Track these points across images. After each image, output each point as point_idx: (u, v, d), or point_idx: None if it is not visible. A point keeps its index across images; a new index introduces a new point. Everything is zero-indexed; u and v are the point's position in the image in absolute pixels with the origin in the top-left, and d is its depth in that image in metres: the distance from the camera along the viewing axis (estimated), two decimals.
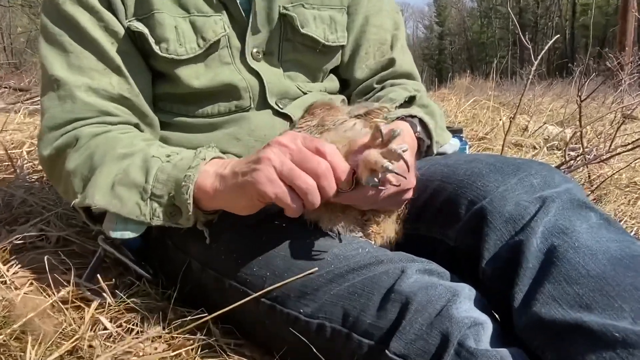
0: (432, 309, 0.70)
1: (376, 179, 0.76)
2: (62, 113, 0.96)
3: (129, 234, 0.91)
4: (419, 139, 1.00)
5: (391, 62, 1.23)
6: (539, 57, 2.11)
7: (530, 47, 2.20)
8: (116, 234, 0.91)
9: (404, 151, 0.75)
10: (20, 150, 2.14)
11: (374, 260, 0.79)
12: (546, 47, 2.08)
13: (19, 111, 3.05)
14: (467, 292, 0.73)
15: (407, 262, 0.79)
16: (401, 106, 1.09)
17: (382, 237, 0.91)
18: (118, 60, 0.99)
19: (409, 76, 1.26)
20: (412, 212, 0.97)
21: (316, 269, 0.81)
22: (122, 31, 0.99)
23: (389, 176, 0.77)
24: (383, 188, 0.80)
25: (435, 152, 1.08)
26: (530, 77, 2.20)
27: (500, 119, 4.04)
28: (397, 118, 0.99)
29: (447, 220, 0.92)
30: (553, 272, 0.72)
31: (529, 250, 0.75)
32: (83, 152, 0.93)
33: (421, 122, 1.02)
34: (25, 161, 1.96)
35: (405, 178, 0.79)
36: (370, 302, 0.74)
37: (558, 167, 1.85)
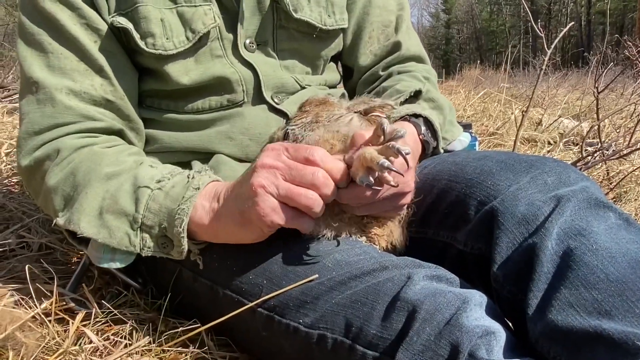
0: (441, 318, 0.70)
1: (371, 178, 0.76)
2: (42, 118, 0.95)
3: (117, 264, 0.91)
4: (423, 141, 1.00)
5: (397, 46, 1.23)
6: (553, 46, 2.11)
7: (543, 35, 2.19)
8: (104, 264, 0.91)
9: (406, 153, 0.75)
10: None
11: (377, 266, 0.79)
12: (560, 35, 2.08)
13: None
14: (477, 299, 0.73)
15: (414, 268, 0.78)
16: (406, 101, 1.09)
17: (386, 241, 0.91)
18: (101, 60, 0.98)
19: (417, 59, 1.26)
20: (417, 214, 0.97)
21: (316, 275, 0.81)
22: (104, 28, 0.98)
23: (386, 175, 0.77)
24: (378, 188, 0.80)
25: (442, 150, 1.08)
26: (544, 67, 2.19)
27: (512, 113, 4.05)
28: (401, 118, 0.99)
29: (455, 223, 0.92)
30: (570, 276, 0.72)
31: (543, 253, 0.75)
32: (65, 166, 0.93)
33: (427, 121, 1.02)
34: (4, 163, 1.96)
35: (403, 176, 0.79)
36: (375, 311, 0.74)
37: (575, 163, 1.85)
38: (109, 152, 0.94)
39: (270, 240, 0.88)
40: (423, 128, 1.00)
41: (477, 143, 2.07)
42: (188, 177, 0.89)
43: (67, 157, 0.93)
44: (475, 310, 0.71)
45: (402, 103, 1.08)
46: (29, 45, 0.97)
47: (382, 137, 0.79)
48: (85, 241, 0.95)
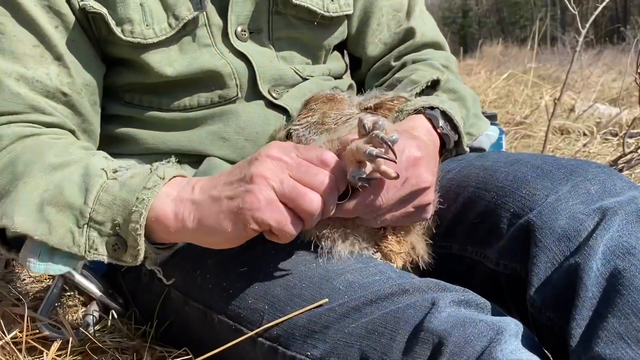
0: (472, 351, 0.69)
1: (363, 170, 0.76)
2: None
3: (55, 269, 0.85)
4: (442, 135, 0.99)
5: (410, 33, 1.22)
6: (588, 25, 2.10)
7: (576, 11, 2.18)
8: (37, 268, 0.85)
9: (392, 140, 0.73)
10: None
11: (397, 289, 0.78)
12: (595, 13, 2.07)
13: None
14: (513, 329, 0.72)
15: (439, 292, 0.77)
16: (423, 92, 1.08)
17: (404, 259, 0.90)
18: (61, 47, 0.96)
19: (434, 46, 1.25)
20: (441, 225, 0.96)
21: (326, 300, 0.80)
22: (69, 13, 0.96)
23: (380, 165, 0.75)
24: (372, 178, 0.77)
25: (467, 149, 1.07)
26: (579, 48, 2.18)
27: (541, 97, 4.04)
28: (415, 111, 0.98)
29: (485, 237, 0.91)
30: (618, 302, 0.71)
31: (587, 275, 0.74)
32: (3, 155, 0.89)
33: (445, 114, 1.00)
34: None
35: (395, 162, 0.76)
36: (394, 343, 0.73)
37: (615, 160, 1.84)
38: (58, 142, 0.92)
39: (271, 258, 0.88)
40: (441, 121, 0.99)
41: (503, 136, 2.06)
42: (151, 168, 0.86)
43: (7, 147, 0.90)
44: (511, 342, 0.70)
45: (418, 95, 1.06)
46: None
47: (365, 133, 0.78)
48: (17, 246, 0.90)
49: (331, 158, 0.78)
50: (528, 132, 3.06)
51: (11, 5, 0.94)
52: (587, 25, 2.22)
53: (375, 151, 0.74)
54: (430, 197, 0.87)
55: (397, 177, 0.77)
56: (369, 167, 0.76)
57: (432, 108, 0.99)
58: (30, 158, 0.87)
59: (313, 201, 0.75)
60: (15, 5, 0.93)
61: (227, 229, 0.77)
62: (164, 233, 0.83)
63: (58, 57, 0.96)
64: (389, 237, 0.90)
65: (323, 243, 0.86)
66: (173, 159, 0.92)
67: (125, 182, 0.83)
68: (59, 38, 0.96)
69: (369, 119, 0.77)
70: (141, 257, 0.83)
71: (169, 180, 0.84)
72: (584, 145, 2.65)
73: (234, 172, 0.79)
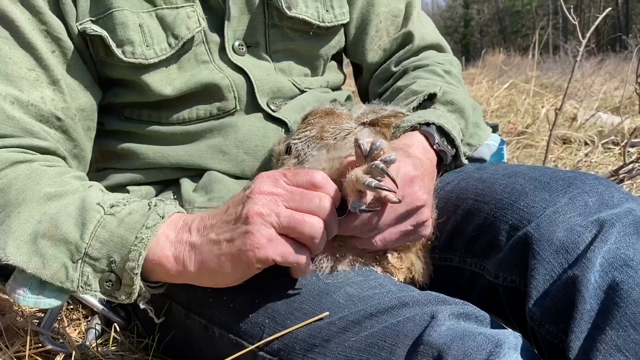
0: None
1: (364, 201, 0.77)
2: None
3: (45, 303, 0.83)
4: (438, 152, 1.00)
5: (408, 37, 1.23)
6: (588, 35, 2.11)
7: (576, 22, 2.19)
8: (27, 302, 0.83)
9: (390, 161, 0.75)
10: None
11: (396, 302, 0.78)
12: (596, 23, 2.08)
13: None
14: (512, 341, 0.72)
15: (438, 305, 0.78)
16: (421, 104, 1.08)
17: (404, 272, 0.90)
18: (56, 72, 0.96)
19: (435, 48, 1.26)
20: (440, 237, 0.97)
21: (326, 313, 0.80)
22: (67, 38, 0.97)
23: (382, 192, 0.77)
24: (373, 209, 0.80)
25: (466, 161, 1.07)
26: (578, 59, 2.19)
27: (543, 106, 4.04)
28: (411, 128, 0.99)
29: (484, 249, 0.91)
30: (616, 315, 0.71)
31: (585, 287, 0.75)
32: None
33: (441, 129, 1.01)
34: None
35: (395, 192, 0.78)
36: (394, 357, 0.73)
37: (616, 170, 1.85)
38: (50, 171, 0.91)
39: (272, 273, 0.88)
40: (437, 137, 0.99)
41: (504, 147, 2.07)
42: (149, 205, 0.85)
43: (0, 173, 0.89)
44: (510, 355, 0.70)
45: (415, 108, 1.07)
46: None
47: (362, 154, 0.79)
48: (4, 275, 0.89)
49: (322, 179, 0.78)
50: (530, 142, 3.06)
51: (9, 28, 0.94)
52: (588, 35, 2.23)
53: (374, 182, 0.75)
54: (427, 215, 0.88)
55: (399, 202, 0.79)
56: (369, 195, 0.78)
57: (428, 124, 0.99)
58: (24, 186, 0.86)
59: (313, 225, 0.75)
60: (13, 28, 0.94)
61: (230, 270, 0.78)
62: (163, 275, 0.83)
63: (53, 82, 0.97)
64: (389, 255, 0.90)
65: (324, 263, 0.87)
66: (171, 195, 0.92)
67: (123, 218, 0.82)
68: (55, 63, 0.96)
69: (365, 142, 0.78)
70: (135, 295, 0.82)
71: (169, 217, 0.83)
72: (586, 154, 2.65)
73: (229, 212, 0.79)
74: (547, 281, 0.79)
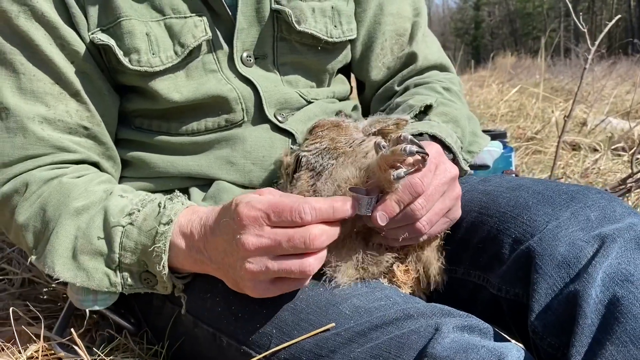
0: None
1: (403, 169, 0.79)
2: (12, 149, 0.98)
3: (101, 304, 0.97)
4: None
5: (412, 57, 1.24)
6: (597, 42, 2.11)
7: (585, 29, 2.19)
8: (86, 305, 0.97)
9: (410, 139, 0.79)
10: None
11: (401, 314, 0.80)
12: (605, 30, 2.08)
13: None
14: (514, 355, 0.73)
15: (442, 317, 0.79)
16: (416, 117, 1.09)
17: (412, 287, 0.91)
18: (77, 84, 1.01)
19: (438, 68, 1.27)
20: (445, 249, 0.98)
21: (332, 324, 0.82)
22: (82, 49, 1.01)
23: (415, 157, 0.80)
24: (413, 171, 0.81)
25: (467, 168, 1.08)
26: (587, 65, 2.19)
27: (553, 111, 4.03)
28: None
29: (488, 262, 0.93)
30: (617, 330, 0.72)
31: (586, 302, 0.76)
32: (34, 201, 0.96)
33: (434, 138, 1.01)
34: None
35: (428, 155, 0.80)
36: None
37: (624, 180, 1.85)
38: (79, 182, 0.98)
39: None
40: None
41: (513, 154, 2.07)
42: (159, 207, 0.92)
43: (36, 191, 0.96)
44: None
45: (412, 120, 1.08)
46: (0, 65, 1.00)
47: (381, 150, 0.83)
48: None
49: (308, 214, 0.78)
50: (539, 148, 3.06)
51: (29, 47, 0.98)
52: (597, 42, 2.22)
53: (414, 148, 0.77)
54: (459, 188, 0.90)
55: (427, 158, 0.81)
56: (403, 167, 0.79)
57: (421, 134, 1.00)
58: (57, 202, 0.95)
59: (304, 267, 0.79)
60: (33, 47, 0.98)
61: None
62: (182, 270, 0.94)
63: (75, 93, 1.01)
64: (396, 269, 0.91)
65: (328, 275, 0.88)
66: (177, 192, 0.97)
67: (141, 226, 0.91)
68: (74, 74, 1.01)
69: (385, 143, 0.82)
70: (170, 288, 0.94)
71: (177, 222, 0.91)
72: (595, 161, 2.65)
73: (227, 249, 0.83)
74: (549, 295, 0.81)
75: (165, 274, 0.90)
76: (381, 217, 0.80)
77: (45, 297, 1.38)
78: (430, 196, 0.84)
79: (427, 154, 0.80)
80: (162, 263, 0.89)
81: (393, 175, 0.79)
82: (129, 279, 0.93)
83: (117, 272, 0.92)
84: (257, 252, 0.79)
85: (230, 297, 0.92)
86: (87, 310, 1.24)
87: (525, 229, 0.88)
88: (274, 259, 0.79)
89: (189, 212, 0.91)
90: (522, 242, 0.87)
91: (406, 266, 0.91)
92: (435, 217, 0.86)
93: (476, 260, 0.95)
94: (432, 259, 0.93)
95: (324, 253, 0.81)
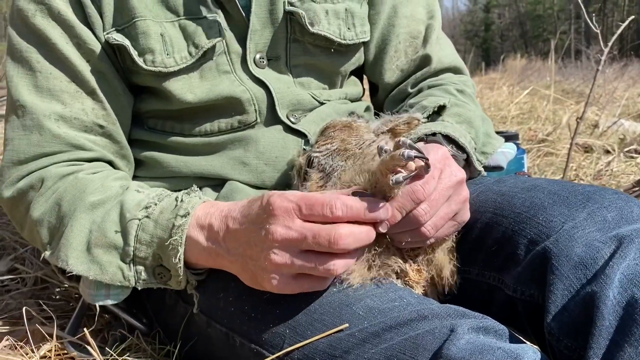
0: None
1: (402, 173, 0.79)
2: (28, 147, 0.99)
3: (114, 299, 0.96)
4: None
5: (426, 60, 1.24)
6: (610, 44, 2.10)
7: (598, 30, 2.18)
8: (98, 300, 0.96)
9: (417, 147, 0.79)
10: None
11: (415, 315, 0.79)
12: (617, 32, 2.07)
13: None
14: (531, 356, 0.73)
15: (457, 318, 0.79)
16: (429, 118, 1.09)
17: (424, 287, 0.91)
18: (93, 82, 1.02)
19: (452, 70, 1.26)
20: (460, 250, 0.97)
21: (346, 325, 0.81)
22: (98, 48, 1.02)
23: (417, 162, 0.80)
24: (413, 175, 0.81)
25: (481, 168, 1.07)
26: (600, 67, 2.18)
27: (564, 113, 4.01)
28: (418, 139, 1.00)
29: (503, 263, 0.92)
30: (635, 332, 0.71)
31: (604, 303, 0.75)
32: (49, 196, 0.97)
33: (448, 137, 1.01)
34: None
35: (428, 159, 0.80)
36: None
37: (639, 181, 1.83)
38: (95, 178, 0.98)
39: None
40: (445, 144, 0.99)
41: (525, 156, 2.07)
42: (176, 200, 0.92)
43: (51, 187, 0.97)
44: None
45: (426, 121, 1.08)
46: (16, 63, 1.01)
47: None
48: (76, 277, 0.98)
49: (339, 209, 0.77)
50: (551, 150, 3.04)
51: (45, 45, 1.00)
52: (610, 44, 2.21)
53: (413, 153, 0.77)
54: (467, 192, 0.90)
55: (429, 165, 0.81)
56: (404, 172, 0.79)
57: (434, 134, 1.00)
58: (73, 197, 0.95)
59: (327, 269, 0.79)
60: (49, 45, 1.00)
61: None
62: (197, 264, 0.94)
63: (92, 91, 1.02)
64: (408, 268, 0.91)
65: (343, 275, 0.87)
66: (195, 186, 0.96)
67: (157, 219, 0.91)
68: (90, 73, 1.02)
69: (389, 144, 0.82)
70: (184, 283, 0.93)
71: (194, 215, 0.89)
72: (607, 163, 2.63)
73: (251, 240, 0.83)
74: (566, 296, 0.80)
75: (180, 267, 0.89)
76: (382, 225, 0.81)
77: (57, 296, 1.38)
78: (435, 201, 0.84)
79: (427, 159, 0.80)
80: (178, 256, 0.88)
81: (392, 180, 0.79)
82: (143, 273, 0.92)
83: (131, 265, 0.92)
84: (284, 244, 0.79)
85: (243, 297, 0.92)
86: (97, 306, 1.24)
87: (541, 230, 0.87)
88: (300, 253, 0.79)
89: (208, 206, 0.91)
90: (538, 242, 0.86)
91: (418, 266, 0.90)
92: (441, 222, 0.86)
93: (491, 261, 0.95)
94: (444, 261, 0.92)
95: (352, 258, 0.81)
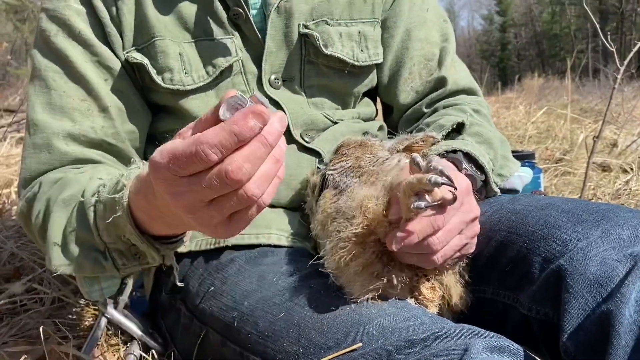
0: None
1: (427, 197, 0.78)
2: (38, 165, 1.03)
3: (107, 292, 0.99)
4: (468, 176, 1.00)
5: (441, 82, 1.25)
6: (625, 63, 2.09)
7: (613, 49, 2.18)
8: (94, 295, 0.98)
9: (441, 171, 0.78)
10: (8, 190, 2.21)
11: (429, 334, 0.79)
12: (634, 51, 2.07)
13: (6, 139, 3.16)
14: None
15: (472, 338, 0.78)
16: (448, 136, 1.10)
17: (438, 305, 0.91)
18: (108, 99, 1.05)
19: (467, 92, 1.27)
20: (474, 269, 0.97)
21: (360, 344, 0.81)
22: (117, 67, 1.06)
23: (443, 189, 0.79)
24: (435, 203, 0.79)
25: (497, 189, 1.07)
26: (616, 85, 2.17)
27: (582, 132, 3.99)
28: (438, 155, 1.00)
29: (517, 282, 0.91)
30: None
31: (620, 322, 0.74)
32: (42, 200, 0.98)
33: (469, 156, 1.02)
34: (15, 205, 2.04)
35: (456, 188, 0.80)
36: None
37: None
38: (79, 176, 0.99)
39: (307, 302, 0.90)
40: (465, 163, 1.00)
41: (541, 175, 2.06)
42: (119, 176, 0.88)
43: (47, 191, 0.99)
44: None
45: (444, 138, 1.08)
46: (35, 82, 1.06)
47: (418, 169, 0.82)
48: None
49: (209, 148, 0.61)
50: (568, 169, 3.02)
51: (64, 64, 1.04)
52: (626, 61, 2.21)
53: (440, 179, 0.77)
54: (478, 228, 0.90)
55: (455, 198, 0.80)
56: (430, 195, 0.79)
57: (455, 151, 1.01)
58: (55, 197, 0.96)
59: (241, 195, 0.64)
60: (68, 64, 1.04)
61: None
62: (152, 226, 0.85)
63: (103, 109, 1.05)
64: (421, 286, 0.91)
65: (358, 294, 0.87)
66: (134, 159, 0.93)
67: (105, 202, 0.87)
68: (106, 91, 1.05)
69: (421, 158, 0.81)
70: (157, 256, 0.90)
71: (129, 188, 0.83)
72: (626, 182, 2.61)
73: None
74: (581, 315, 0.79)
75: (135, 235, 0.85)
76: (397, 241, 0.80)
77: (74, 316, 1.39)
78: (450, 232, 0.84)
79: (456, 188, 0.80)
80: (127, 230, 0.84)
81: (413, 205, 0.78)
82: (118, 259, 0.91)
83: (107, 253, 0.91)
84: (187, 209, 0.67)
85: (257, 316, 0.92)
86: (112, 329, 1.26)
87: (555, 248, 0.87)
88: (211, 203, 0.67)
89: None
90: (552, 261, 0.86)
91: (432, 284, 0.90)
92: (450, 252, 0.86)
93: (505, 279, 0.94)
94: (451, 282, 0.92)
95: (268, 170, 0.65)
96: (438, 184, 0.77)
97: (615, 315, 0.75)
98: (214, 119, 0.63)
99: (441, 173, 0.78)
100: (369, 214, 0.84)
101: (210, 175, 0.63)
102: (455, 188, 0.80)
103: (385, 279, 0.87)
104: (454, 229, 0.84)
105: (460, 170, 0.99)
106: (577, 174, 2.94)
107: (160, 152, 0.66)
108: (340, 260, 0.86)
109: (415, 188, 0.79)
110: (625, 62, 2.10)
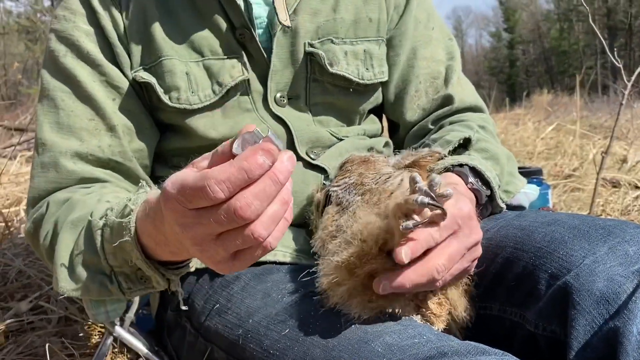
0: None
1: (416, 217, 0.76)
2: (45, 184, 1.04)
3: (113, 314, 0.99)
4: (473, 190, 1.00)
5: (448, 100, 1.25)
6: (632, 79, 2.09)
7: (620, 64, 2.17)
8: (100, 318, 0.99)
9: (448, 195, 0.76)
10: (17, 208, 2.23)
11: (435, 352, 0.78)
12: (637, 72, 2.06)
13: (16, 157, 3.18)
14: None
15: (477, 355, 0.77)
16: (455, 151, 1.10)
17: (445, 321, 0.90)
18: (115, 119, 1.06)
19: (473, 109, 1.27)
20: (480, 285, 0.97)
21: None
22: (125, 86, 1.07)
23: (431, 209, 0.77)
24: (421, 221, 0.77)
25: (503, 205, 1.07)
26: (624, 101, 2.16)
27: (591, 148, 3.98)
28: (445, 169, 1.00)
29: (524, 299, 0.91)
30: None
31: (627, 339, 0.74)
32: (50, 221, 0.99)
33: (475, 171, 1.01)
34: (23, 223, 2.05)
35: (443, 209, 0.77)
36: None
37: None
38: (86, 197, 0.99)
39: (311, 319, 0.89)
40: (471, 177, 1.00)
41: (549, 191, 2.05)
42: (127, 201, 0.88)
43: (54, 212, 1.00)
44: None
45: (451, 153, 1.08)
46: (43, 101, 1.07)
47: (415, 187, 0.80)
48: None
49: (216, 183, 0.61)
50: (577, 185, 3.01)
51: (72, 84, 1.06)
52: (633, 77, 2.20)
53: (426, 200, 0.75)
54: (480, 251, 0.89)
55: (445, 213, 0.78)
56: (418, 215, 0.77)
57: (461, 165, 1.01)
58: (64, 218, 0.96)
59: (247, 236, 0.64)
60: (76, 84, 1.05)
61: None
62: (159, 252, 0.84)
63: (111, 128, 1.06)
64: (429, 301, 0.90)
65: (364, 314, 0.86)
66: (142, 182, 0.93)
67: (113, 226, 0.87)
68: (114, 110, 1.06)
69: (420, 177, 0.79)
70: (162, 281, 0.88)
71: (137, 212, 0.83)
72: (635, 198, 2.59)
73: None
74: (588, 332, 0.79)
75: (141, 260, 0.84)
76: (406, 253, 0.78)
77: (81, 334, 1.39)
78: (452, 258, 0.83)
79: (442, 208, 0.77)
80: (134, 255, 0.84)
81: (402, 226, 0.77)
82: (124, 283, 0.91)
83: (113, 277, 0.91)
84: (196, 240, 0.67)
85: (262, 334, 0.92)
86: (118, 347, 1.26)
87: (561, 264, 0.86)
88: (217, 238, 0.66)
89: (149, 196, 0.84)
90: (559, 277, 0.85)
91: (439, 299, 0.90)
92: (449, 277, 0.85)
93: (512, 296, 0.94)
94: (456, 296, 0.92)
95: (275, 212, 0.65)
96: (424, 204, 0.76)
97: (622, 332, 0.75)
98: (230, 153, 0.64)
99: (426, 193, 0.76)
100: (365, 245, 0.82)
101: (219, 211, 0.63)
102: (442, 208, 0.77)
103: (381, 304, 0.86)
104: (456, 255, 0.83)
105: (466, 184, 0.99)
106: (586, 190, 2.93)
107: (172, 182, 0.66)
108: (330, 283, 0.84)
109: (402, 209, 0.78)
110: (633, 78, 2.09)
